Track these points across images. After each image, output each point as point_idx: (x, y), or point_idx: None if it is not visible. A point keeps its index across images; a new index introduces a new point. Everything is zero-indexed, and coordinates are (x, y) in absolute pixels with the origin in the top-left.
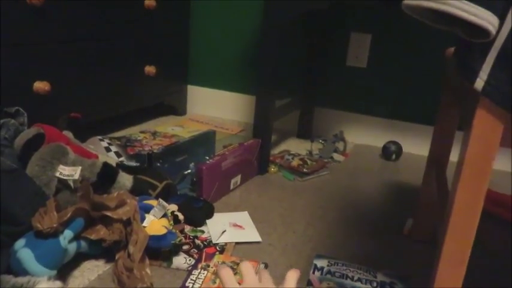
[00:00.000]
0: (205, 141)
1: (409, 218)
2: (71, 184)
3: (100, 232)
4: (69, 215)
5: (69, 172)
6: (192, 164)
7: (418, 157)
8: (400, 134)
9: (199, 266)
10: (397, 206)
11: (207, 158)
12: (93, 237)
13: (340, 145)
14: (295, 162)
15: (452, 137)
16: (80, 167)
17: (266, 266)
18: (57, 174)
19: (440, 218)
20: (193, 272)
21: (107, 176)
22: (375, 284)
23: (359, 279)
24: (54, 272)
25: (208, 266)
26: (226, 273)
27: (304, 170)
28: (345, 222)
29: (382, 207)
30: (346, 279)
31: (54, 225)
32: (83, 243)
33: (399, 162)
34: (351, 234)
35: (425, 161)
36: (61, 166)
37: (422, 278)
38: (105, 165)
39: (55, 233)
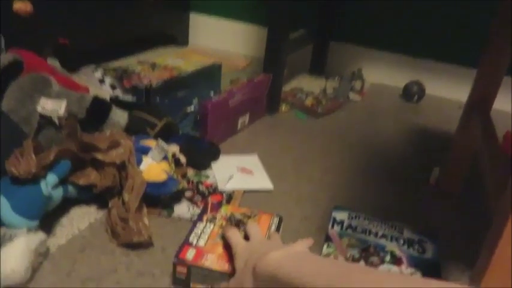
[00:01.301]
0: (210, 75)
1: (436, 167)
2: (56, 121)
3: (90, 177)
4: (52, 157)
5: (52, 106)
6: (195, 100)
7: (443, 100)
8: (424, 74)
9: (205, 218)
10: (421, 153)
11: (212, 94)
12: (81, 182)
13: (357, 84)
14: (308, 101)
15: (499, 82)
16: (66, 101)
17: (281, 220)
18: (39, 109)
19: (486, 169)
20: (197, 225)
21: (97, 111)
22: (401, 242)
23: (383, 236)
24: (35, 223)
25: (215, 218)
26: (233, 235)
27: (319, 110)
28: (364, 170)
29: (404, 153)
30: (369, 235)
31: (33, 170)
32: (71, 188)
33: (421, 105)
34: (372, 183)
35: (450, 104)
36: (43, 99)
37: (450, 234)
38: (96, 99)
39: (35, 178)
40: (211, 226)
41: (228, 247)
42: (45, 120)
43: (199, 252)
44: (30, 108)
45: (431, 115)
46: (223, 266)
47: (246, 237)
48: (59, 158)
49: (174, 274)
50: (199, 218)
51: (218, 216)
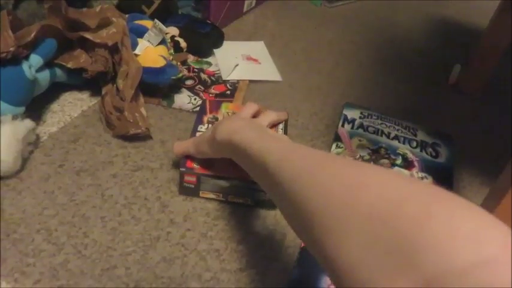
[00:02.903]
0: None
1: (457, 64)
2: None
3: (79, 59)
4: (33, 34)
5: None
6: None
7: None
8: None
9: (205, 119)
10: (444, 47)
11: None
12: (70, 65)
13: None
14: None
15: None
16: None
17: (286, 121)
18: None
19: None
20: (199, 129)
21: None
22: (414, 144)
23: (396, 137)
24: (21, 109)
25: (216, 119)
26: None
27: None
28: (380, 64)
29: (425, 47)
30: (381, 135)
31: (11, 49)
32: (59, 72)
33: None
34: (387, 79)
35: None
36: None
37: (467, 137)
38: None
39: (15, 59)
40: None
41: None
42: None
43: (205, 161)
44: None
45: (458, 4)
46: (231, 171)
47: None
48: (42, 36)
49: (181, 184)
50: (199, 119)
51: (219, 115)
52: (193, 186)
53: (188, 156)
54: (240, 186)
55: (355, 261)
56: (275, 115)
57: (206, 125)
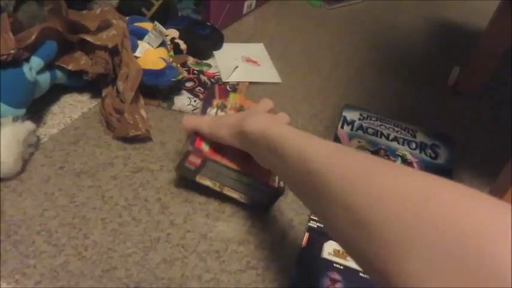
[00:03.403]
0: None
1: (456, 66)
2: None
3: (79, 61)
4: (33, 36)
5: None
6: None
7: None
8: None
9: (214, 103)
10: (443, 50)
11: None
12: (70, 67)
13: None
14: None
15: None
16: None
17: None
18: None
19: None
20: (208, 111)
21: None
22: (413, 146)
23: (395, 139)
24: (21, 111)
25: (225, 106)
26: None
27: None
28: (379, 65)
29: (425, 49)
30: (381, 137)
31: (11, 51)
32: (59, 74)
33: None
34: (386, 81)
35: None
36: None
37: (466, 139)
38: None
39: (16, 61)
40: (223, 115)
41: None
42: None
43: (216, 146)
44: None
45: (457, 6)
46: (241, 165)
47: None
48: (42, 39)
49: (182, 162)
50: (208, 102)
51: (228, 104)
52: (194, 168)
53: (198, 134)
54: (244, 182)
55: (422, 277)
56: (287, 117)
57: (215, 109)
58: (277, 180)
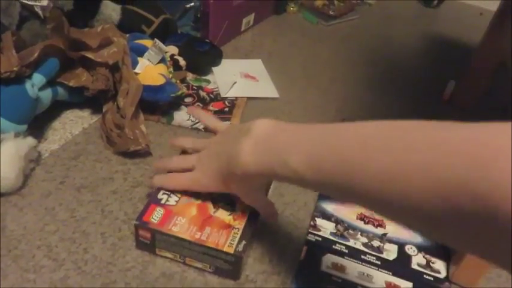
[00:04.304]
0: None
1: (451, 80)
2: (39, 12)
3: (81, 78)
4: (36, 53)
5: None
6: None
7: (463, 5)
8: None
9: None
10: (437, 64)
11: None
12: (72, 83)
13: None
14: (319, 2)
15: None
16: None
17: None
18: None
19: None
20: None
21: (86, 3)
22: None
23: None
24: (23, 127)
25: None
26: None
27: (330, 12)
28: (375, 80)
29: (419, 64)
30: None
31: (14, 68)
32: (61, 90)
33: (441, 10)
34: (383, 95)
35: (471, 10)
36: None
37: None
38: None
39: (19, 78)
40: None
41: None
42: (28, 12)
43: (168, 214)
44: None
45: (451, 22)
46: (194, 233)
47: None
48: (44, 56)
49: (136, 237)
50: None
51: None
52: (148, 242)
53: (151, 203)
54: (201, 251)
55: None
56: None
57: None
58: (235, 244)
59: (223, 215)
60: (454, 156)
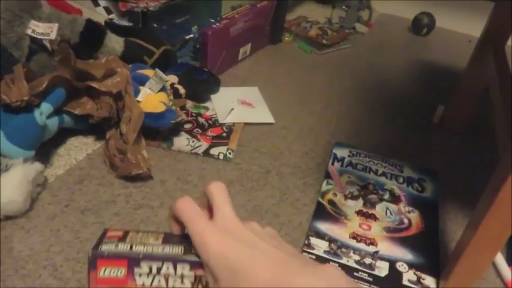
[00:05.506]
0: (210, 0)
1: (441, 105)
2: (48, 45)
3: (86, 106)
4: (45, 84)
5: (43, 30)
6: (195, 27)
7: (452, 33)
8: (434, 5)
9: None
10: (427, 90)
11: (213, 20)
12: (77, 111)
13: (364, 14)
14: (313, 32)
15: None
16: (57, 24)
17: None
18: (29, 32)
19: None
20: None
21: (91, 36)
22: (401, 180)
23: (383, 174)
24: (31, 153)
25: None
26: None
27: (324, 41)
28: (367, 105)
29: (410, 89)
30: (369, 172)
31: (25, 98)
32: (67, 118)
33: (430, 38)
34: (375, 120)
35: (460, 38)
36: (33, 22)
37: (451, 173)
38: (90, 22)
39: (28, 107)
40: None
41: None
42: (37, 45)
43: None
44: (19, 31)
45: (440, 50)
46: None
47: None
48: (52, 86)
49: None
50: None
51: None
52: None
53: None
54: None
55: None
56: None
57: None
58: None
59: None
60: None
